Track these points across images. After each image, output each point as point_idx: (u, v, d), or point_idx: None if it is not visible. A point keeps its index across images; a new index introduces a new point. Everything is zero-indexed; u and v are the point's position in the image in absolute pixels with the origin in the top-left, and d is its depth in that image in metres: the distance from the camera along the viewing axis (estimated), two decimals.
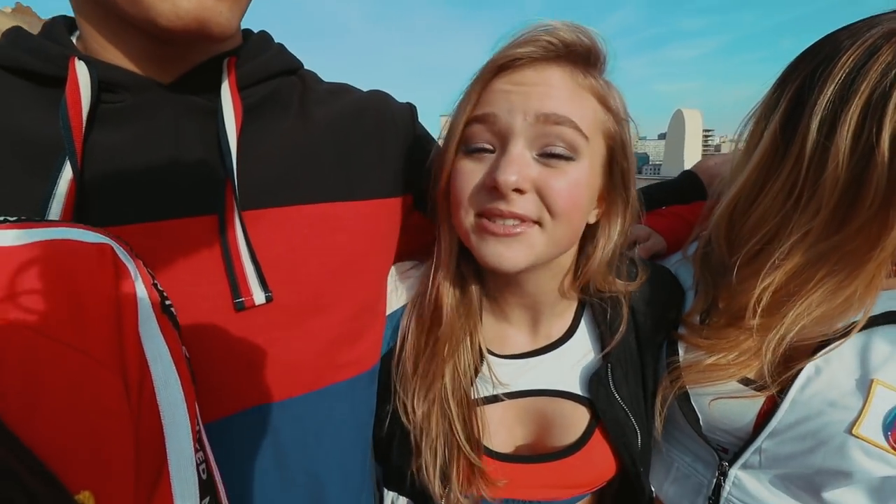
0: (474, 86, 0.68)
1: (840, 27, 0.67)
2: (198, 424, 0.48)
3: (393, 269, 0.82)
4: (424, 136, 0.82)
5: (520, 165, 0.63)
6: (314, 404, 0.68)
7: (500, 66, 0.66)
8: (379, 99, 0.77)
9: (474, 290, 0.79)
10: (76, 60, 0.55)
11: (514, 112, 0.64)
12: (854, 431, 0.69)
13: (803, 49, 0.70)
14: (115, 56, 0.58)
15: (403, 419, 0.77)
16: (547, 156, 0.64)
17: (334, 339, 0.69)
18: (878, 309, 0.73)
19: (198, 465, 0.46)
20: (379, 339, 0.79)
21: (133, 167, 0.57)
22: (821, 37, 0.68)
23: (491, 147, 0.67)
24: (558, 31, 0.65)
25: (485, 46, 0.70)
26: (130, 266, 0.47)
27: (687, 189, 1.03)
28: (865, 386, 0.70)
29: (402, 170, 0.77)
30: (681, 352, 0.82)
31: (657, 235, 0.96)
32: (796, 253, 0.65)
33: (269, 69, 0.66)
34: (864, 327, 0.72)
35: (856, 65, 0.60)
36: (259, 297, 0.61)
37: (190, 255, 0.59)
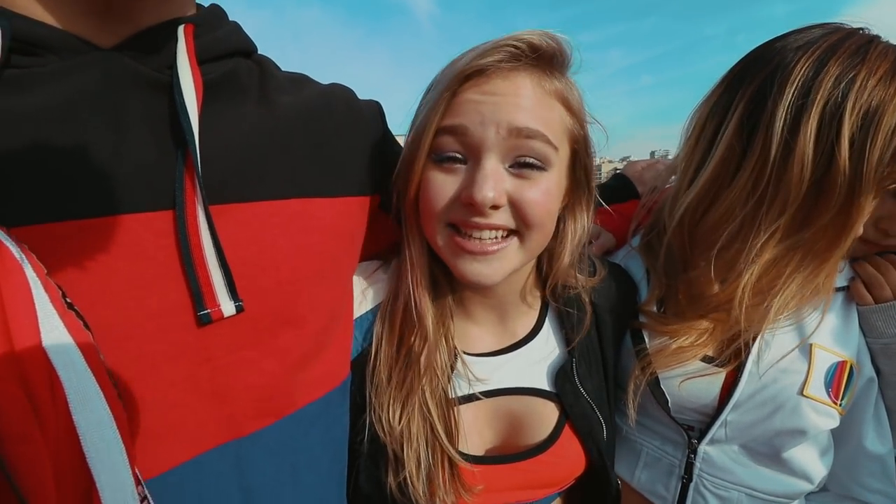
0: (441, 94, 0.65)
1: (776, 37, 0.75)
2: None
3: (359, 270, 0.77)
4: (392, 136, 0.78)
5: (495, 180, 0.63)
6: (288, 432, 0.60)
7: (466, 76, 0.65)
8: (346, 92, 0.71)
9: (446, 291, 0.77)
10: None
11: (486, 125, 0.63)
12: (805, 392, 0.78)
13: (746, 55, 0.77)
14: (38, 9, 0.47)
15: (380, 434, 0.72)
16: (520, 166, 0.65)
17: (306, 354, 0.61)
18: None
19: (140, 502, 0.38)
20: (348, 346, 0.73)
21: (56, 147, 0.45)
22: (760, 45, 0.76)
23: (461, 156, 0.66)
24: (524, 36, 0.65)
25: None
26: (12, 247, 0.37)
27: (622, 189, 1.11)
28: (806, 351, 0.80)
29: (373, 167, 0.72)
30: (647, 339, 0.87)
31: (607, 233, 1.02)
32: (766, 250, 0.70)
33: (228, 45, 0.58)
34: None
35: (808, 76, 0.66)
36: (228, 307, 0.52)
37: (136, 261, 0.49)
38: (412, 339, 0.73)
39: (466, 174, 0.65)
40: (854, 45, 0.66)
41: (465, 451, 0.75)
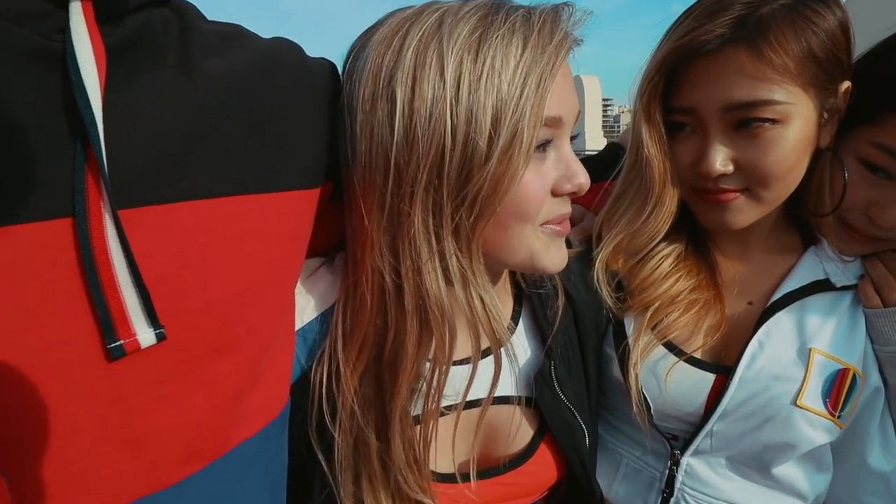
0: (540, 83, 0.58)
1: None
2: None
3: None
4: None
5: None
6: (221, 476, 0.54)
7: (557, 61, 0.60)
8: (292, 52, 0.61)
9: None
10: None
11: (574, 112, 0.65)
12: (798, 402, 0.73)
13: None
14: None
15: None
16: None
17: (244, 383, 0.55)
18: (806, 279, 0.77)
19: None
20: (289, 368, 0.67)
21: None
22: None
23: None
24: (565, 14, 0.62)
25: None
26: None
27: (614, 161, 1.01)
28: (805, 356, 0.74)
29: (326, 149, 0.62)
30: (628, 329, 0.83)
31: (591, 215, 0.94)
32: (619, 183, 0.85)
33: None
34: (797, 298, 0.76)
35: None
36: (146, 336, 0.45)
37: (24, 283, 0.42)
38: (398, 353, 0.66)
39: (553, 162, 0.64)
40: None
41: (436, 470, 0.72)
